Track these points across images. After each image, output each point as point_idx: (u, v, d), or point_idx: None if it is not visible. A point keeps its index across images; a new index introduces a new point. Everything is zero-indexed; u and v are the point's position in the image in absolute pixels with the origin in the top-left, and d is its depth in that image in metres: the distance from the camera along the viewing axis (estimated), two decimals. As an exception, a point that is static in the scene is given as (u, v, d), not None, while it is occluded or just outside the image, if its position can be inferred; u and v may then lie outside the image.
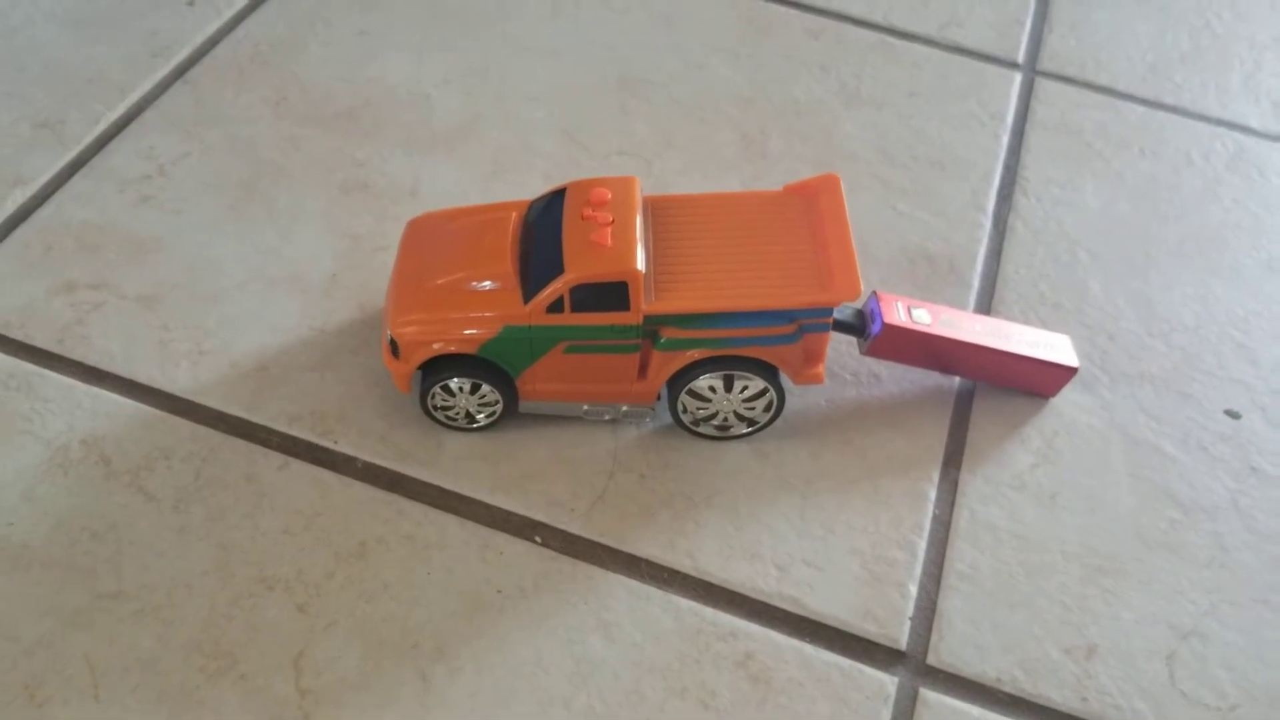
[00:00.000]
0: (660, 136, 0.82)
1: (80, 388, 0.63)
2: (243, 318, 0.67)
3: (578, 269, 0.57)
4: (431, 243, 0.63)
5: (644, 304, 0.58)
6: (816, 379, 0.62)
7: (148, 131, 0.77)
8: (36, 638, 0.54)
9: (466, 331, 0.59)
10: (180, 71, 0.82)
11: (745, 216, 0.62)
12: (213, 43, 0.84)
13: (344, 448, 0.62)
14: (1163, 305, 0.74)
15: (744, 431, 0.64)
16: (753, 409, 0.63)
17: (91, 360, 0.64)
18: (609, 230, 0.59)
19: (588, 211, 0.60)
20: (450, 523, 0.59)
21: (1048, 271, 0.76)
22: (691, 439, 0.64)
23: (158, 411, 0.62)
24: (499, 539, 0.59)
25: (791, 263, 0.60)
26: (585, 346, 0.59)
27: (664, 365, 0.60)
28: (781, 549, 0.60)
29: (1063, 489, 0.64)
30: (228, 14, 0.86)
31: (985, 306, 0.73)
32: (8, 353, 0.64)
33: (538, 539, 0.59)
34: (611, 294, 0.58)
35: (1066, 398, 0.68)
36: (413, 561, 0.58)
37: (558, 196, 0.62)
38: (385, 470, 0.61)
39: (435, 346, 0.59)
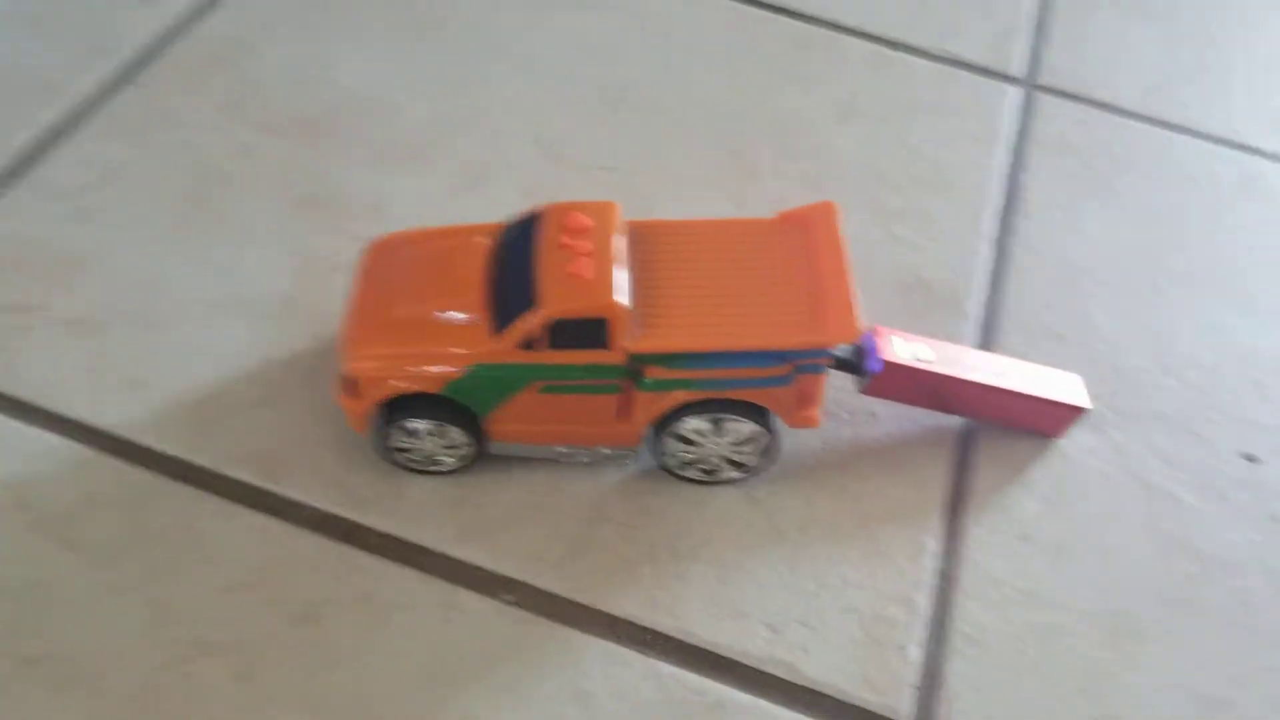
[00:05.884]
0: (643, 150, 0.77)
1: (1, 422, 0.57)
2: (185, 345, 0.61)
3: (553, 304, 0.52)
4: (394, 268, 0.57)
5: (627, 342, 0.53)
6: (811, 422, 0.57)
7: (90, 137, 0.71)
8: (-57, 711, 0.48)
9: (430, 368, 0.54)
10: (127, 73, 0.76)
11: (736, 247, 0.57)
12: (165, 42, 0.78)
13: (292, 493, 0.56)
14: (1174, 339, 0.70)
15: (734, 476, 0.59)
16: (742, 453, 0.58)
17: (14, 391, 0.58)
18: (587, 261, 0.54)
19: (565, 239, 0.55)
20: (411, 578, 0.54)
21: (1051, 301, 0.71)
22: (676, 483, 0.59)
23: (88, 450, 0.56)
24: (464, 597, 0.54)
25: (786, 299, 0.55)
26: (562, 386, 0.54)
27: (648, 407, 0.55)
28: (772, 606, 0.55)
29: (1072, 540, 0.60)
30: (182, 13, 0.81)
31: (987, 338, 0.69)
32: (-79, 383, 0.58)
33: (507, 597, 0.54)
34: (590, 331, 0.53)
35: (1074, 439, 0.64)
36: (369, 624, 0.52)
37: (531, 221, 0.57)
38: (339, 519, 0.56)
39: (395, 384, 0.54)
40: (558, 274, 0.53)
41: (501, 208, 0.71)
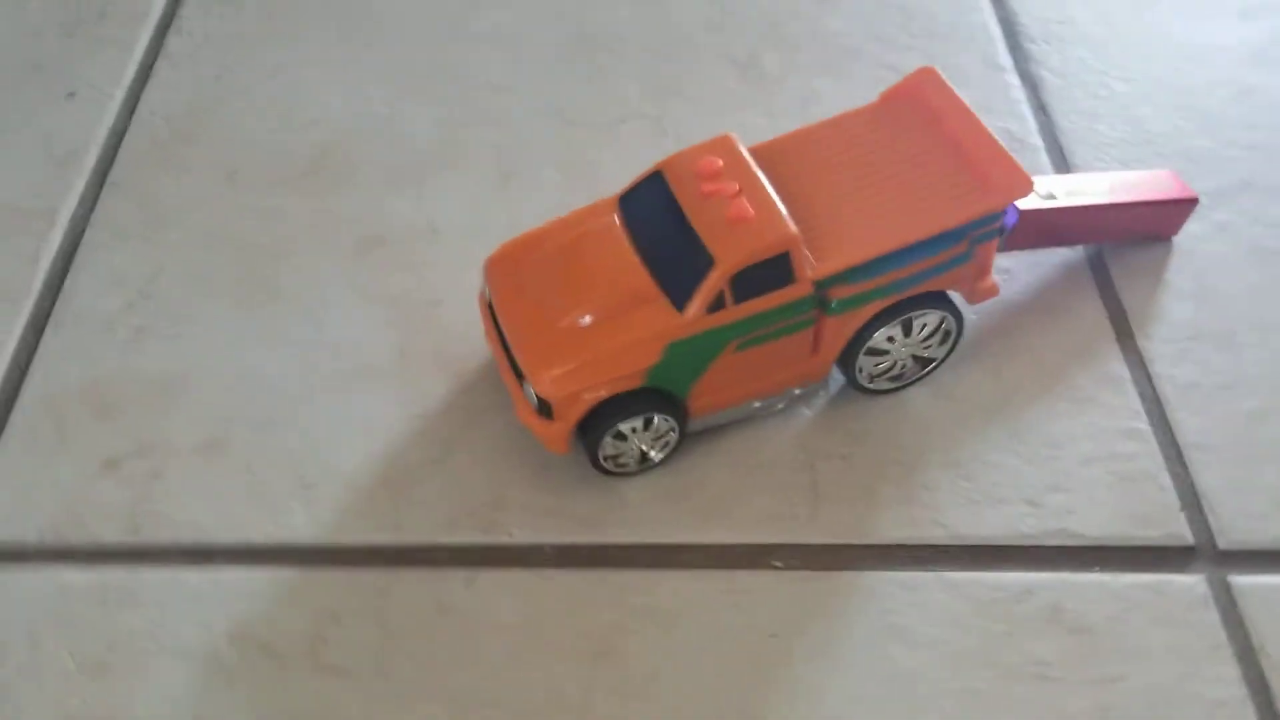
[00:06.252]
0: (654, 90, 0.74)
1: (187, 575, 0.52)
2: (327, 432, 0.57)
3: (732, 255, 0.50)
4: (530, 277, 0.54)
5: (809, 270, 0.51)
6: (991, 291, 0.57)
7: (98, 255, 0.65)
8: None
9: (627, 365, 0.51)
10: (100, 174, 0.69)
11: (862, 139, 0.55)
12: (118, 132, 0.71)
13: (523, 537, 0.53)
14: (1218, 111, 0.71)
15: (921, 374, 0.58)
16: (929, 346, 0.57)
17: (184, 539, 0.53)
18: (742, 201, 0.51)
19: (706, 186, 0.52)
20: (678, 579, 0.52)
21: (1097, 111, 0.72)
22: (866, 401, 0.58)
23: (294, 570, 0.52)
24: (739, 578, 0.52)
25: (942, 174, 0.54)
26: (758, 337, 0.52)
27: (841, 330, 0.54)
28: (1019, 483, 0.55)
29: (1234, 325, 0.61)
30: (118, 94, 0.73)
31: (1062, 166, 0.69)
32: (81, 565, 0.52)
33: (777, 562, 0.52)
34: (775, 270, 0.50)
35: (1185, 234, 0.65)
36: (664, 636, 0.50)
37: (654, 181, 0.54)
38: (580, 547, 0.53)
39: (595, 394, 0.51)
40: (721, 224, 0.51)
41: (551, 188, 0.68)
